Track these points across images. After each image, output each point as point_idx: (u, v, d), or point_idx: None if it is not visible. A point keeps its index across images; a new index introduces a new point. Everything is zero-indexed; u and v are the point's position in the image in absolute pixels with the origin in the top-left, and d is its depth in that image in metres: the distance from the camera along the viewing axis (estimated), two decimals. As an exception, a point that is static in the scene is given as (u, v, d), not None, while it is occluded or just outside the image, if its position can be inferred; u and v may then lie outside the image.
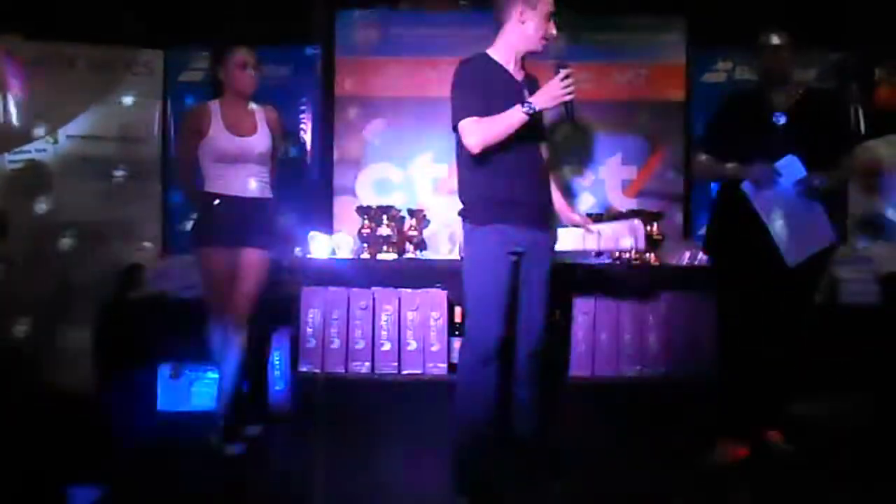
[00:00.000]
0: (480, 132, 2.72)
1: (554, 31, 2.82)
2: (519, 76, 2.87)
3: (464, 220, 2.86)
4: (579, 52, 4.60)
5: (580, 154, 4.60)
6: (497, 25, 2.87)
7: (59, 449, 3.24)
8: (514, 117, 2.69)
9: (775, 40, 3.13)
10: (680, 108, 4.65)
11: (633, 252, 3.91)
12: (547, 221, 2.91)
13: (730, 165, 3.15)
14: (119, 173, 4.50)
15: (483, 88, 2.77)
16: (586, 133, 4.60)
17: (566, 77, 2.66)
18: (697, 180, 4.47)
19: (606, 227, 3.19)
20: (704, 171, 3.44)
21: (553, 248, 2.97)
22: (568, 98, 2.68)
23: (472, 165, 2.81)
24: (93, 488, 2.74)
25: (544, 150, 2.97)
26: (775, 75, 3.15)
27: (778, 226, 3.03)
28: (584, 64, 4.59)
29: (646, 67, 4.65)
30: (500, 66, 2.84)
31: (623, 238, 3.17)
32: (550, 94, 2.68)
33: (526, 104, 2.68)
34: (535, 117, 2.74)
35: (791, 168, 3.01)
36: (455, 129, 2.79)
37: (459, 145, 2.81)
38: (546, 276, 2.88)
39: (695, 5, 4.59)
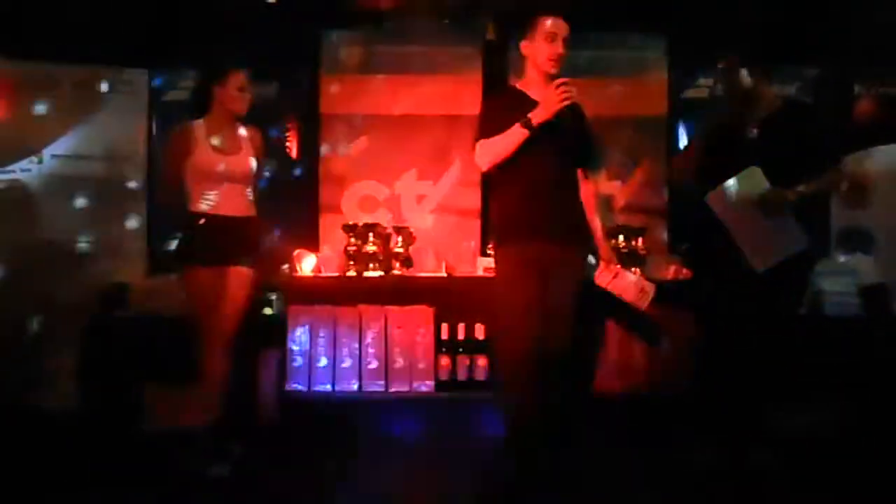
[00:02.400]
0: (486, 151, 2.89)
1: (559, 50, 2.88)
2: None
3: (492, 240, 3.03)
4: (562, 68, 4.65)
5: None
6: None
7: (43, 468, 3.22)
8: (514, 134, 2.80)
9: (732, 64, 3.16)
10: (662, 123, 4.70)
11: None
12: (568, 238, 2.93)
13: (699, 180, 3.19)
14: (104, 192, 4.49)
15: (501, 116, 2.87)
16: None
17: (560, 86, 2.73)
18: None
19: (623, 276, 3.23)
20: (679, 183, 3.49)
21: (579, 264, 2.99)
22: (563, 105, 2.74)
23: (496, 187, 3.01)
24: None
25: (571, 171, 3.00)
26: (739, 97, 3.17)
27: (743, 235, 3.06)
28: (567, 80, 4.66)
29: (628, 84, 4.70)
30: (522, 93, 2.95)
31: (629, 293, 3.23)
32: (545, 107, 2.76)
33: (524, 119, 2.77)
34: (555, 136, 2.81)
35: (752, 179, 3.04)
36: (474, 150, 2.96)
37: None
38: (568, 292, 2.91)
39: (676, 23, 4.65)
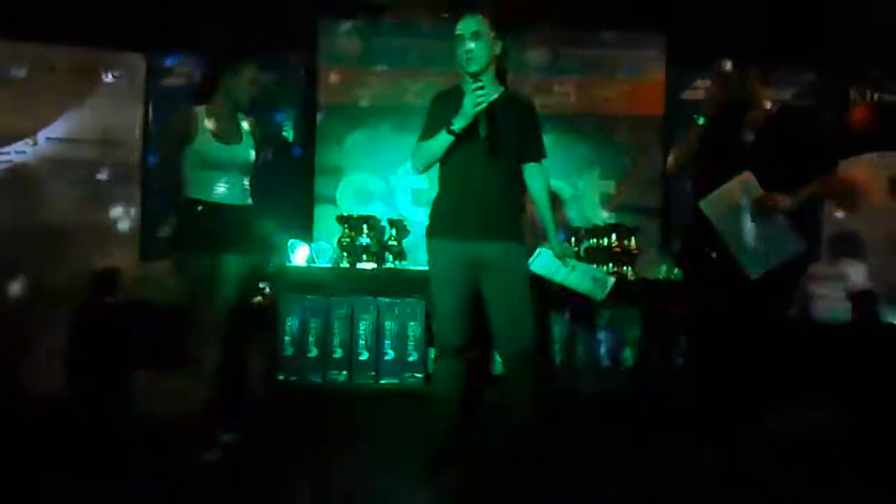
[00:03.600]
0: (418, 154, 3.03)
1: (467, 48, 2.92)
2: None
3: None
4: (560, 66, 4.68)
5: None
6: None
7: (32, 454, 3.22)
8: (440, 138, 2.91)
9: (728, 69, 3.16)
10: (658, 123, 4.71)
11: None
12: (499, 235, 2.98)
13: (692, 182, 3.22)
14: (99, 176, 4.48)
15: (442, 115, 2.96)
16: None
17: (473, 91, 2.82)
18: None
19: (579, 269, 3.20)
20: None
21: (517, 259, 3.02)
22: (476, 110, 2.82)
23: (435, 184, 3.10)
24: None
25: (506, 168, 3.02)
26: (735, 100, 3.18)
27: (737, 240, 3.08)
28: (565, 78, 4.69)
29: (625, 83, 4.72)
30: (462, 93, 2.96)
31: (586, 287, 3.19)
32: (463, 112, 2.85)
33: (449, 124, 2.87)
34: (486, 136, 2.89)
35: (747, 184, 3.06)
36: None
37: None
38: (512, 289, 2.97)
39: (674, 24, 4.66)
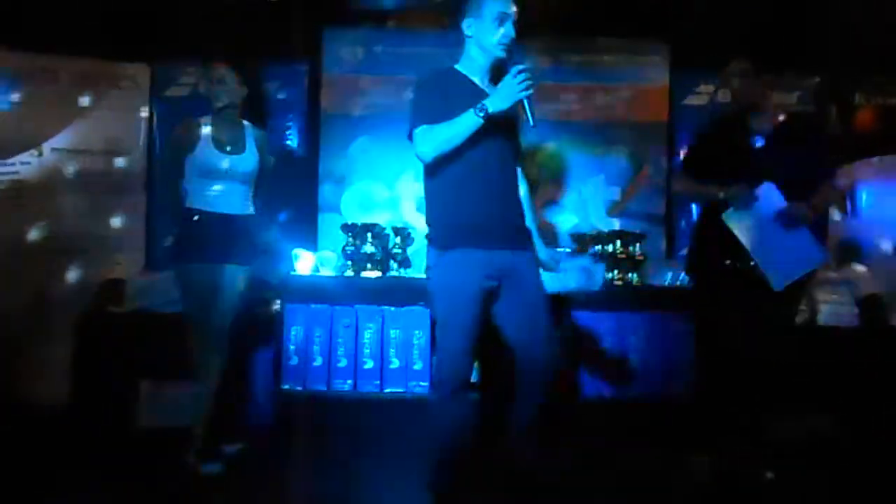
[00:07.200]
0: (432, 139, 2.51)
1: (511, 33, 2.55)
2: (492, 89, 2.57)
3: (429, 245, 2.65)
4: (564, 73, 4.68)
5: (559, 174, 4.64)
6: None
7: (35, 464, 3.22)
8: (466, 121, 2.46)
9: (743, 69, 3.16)
10: (662, 129, 4.71)
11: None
12: (522, 241, 2.67)
13: (708, 187, 3.16)
14: (104, 186, 4.49)
15: (443, 98, 2.54)
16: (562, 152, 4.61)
17: (520, 73, 2.44)
18: (680, 199, 4.54)
19: (568, 268, 3.05)
20: (686, 192, 3.47)
21: (536, 266, 2.70)
22: (524, 95, 2.44)
23: (439, 183, 2.61)
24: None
25: (517, 168, 2.71)
26: (747, 102, 3.18)
27: (761, 251, 3.04)
28: (569, 85, 4.68)
29: (629, 89, 4.71)
30: (465, 77, 2.63)
31: (577, 279, 3.06)
32: (505, 93, 2.45)
33: (479, 105, 2.44)
34: (503, 130, 2.56)
35: (768, 195, 3.03)
36: (410, 138, 2.58)
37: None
38: (536, 297, 2.63)
39: (678, 30, 4.66)
